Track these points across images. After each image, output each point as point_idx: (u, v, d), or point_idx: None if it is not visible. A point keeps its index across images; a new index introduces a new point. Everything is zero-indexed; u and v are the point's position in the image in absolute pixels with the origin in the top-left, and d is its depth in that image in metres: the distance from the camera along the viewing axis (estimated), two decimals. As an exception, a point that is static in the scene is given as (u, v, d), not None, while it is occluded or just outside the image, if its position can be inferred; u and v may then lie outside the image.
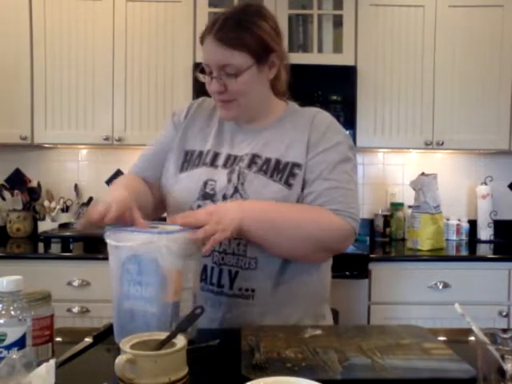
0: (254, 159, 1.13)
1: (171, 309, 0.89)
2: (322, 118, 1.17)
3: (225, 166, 1.14)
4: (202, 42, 1.10)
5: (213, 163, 1.15)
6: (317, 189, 1.10)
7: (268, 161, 1.12)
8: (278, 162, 1.12)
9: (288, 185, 1.10)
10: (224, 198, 1.10)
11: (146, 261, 0.89)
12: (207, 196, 1.11)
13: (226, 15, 1.08)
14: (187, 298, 0.92)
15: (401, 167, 2.91)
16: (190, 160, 1.18)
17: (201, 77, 1.12)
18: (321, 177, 1.10)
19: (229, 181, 1.11)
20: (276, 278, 1.11)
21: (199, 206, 1.10)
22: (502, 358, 0.65)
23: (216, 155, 1.16)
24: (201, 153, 1.18)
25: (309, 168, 1.11)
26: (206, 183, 1.12)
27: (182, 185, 1.15)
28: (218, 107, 1.17)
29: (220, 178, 1.12)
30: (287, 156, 1.12)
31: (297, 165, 1.11)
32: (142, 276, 0.90)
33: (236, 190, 1.10)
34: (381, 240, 2.76)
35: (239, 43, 1.05)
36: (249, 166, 1.12)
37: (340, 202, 1.08)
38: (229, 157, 1.15)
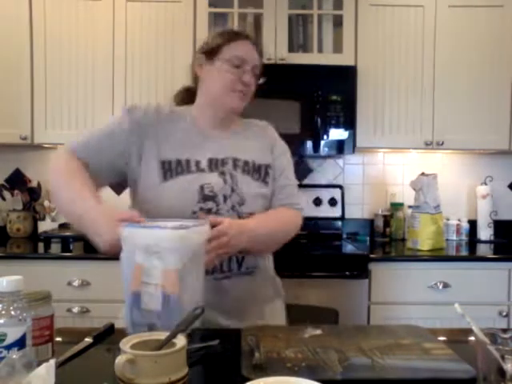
0: (235, 162, 1.26)
1: (131, 299, 0.94)
2: (271, 129, 1.40)
3: (210, 168, 1.24)
4: (229, 41, 1.25)
5: (198, 169, 1.22)
6: (278, 185, 1.32)
7: (246, 163, 1.27)
8: (253, 163, 1.29)
9: (265, 183, 1.30)
10: (224, 197, 1.21)
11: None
12: (207, 198, 1.20)
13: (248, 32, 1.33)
14: (152, 293, 0.91)
15: (401, 167, 2.91)
16: (170, 169, 1.21)
17: (223, 66, 1.24)
18: (281, 176, 1.33)
19: (224, 182, 1.23)
20: (265, 256, 1.35)
21: (201, 208, 1.19)
22: (502, 358, 0.65)
23: (197, 162, 1.23)
24: (179, 161, 1.22)
25: (273, 168, 1.32)
26: (202, 187, 1.20)
27: (174, 191, 1.19)
28: (230, 98, 1.25)
29: (213, 180, 1.22)
30: (258, 159, 1.30)
31: (268, 166, 1.31)
32: None
33: (233, 190, 1.23)
34: (381, 240, 2.76)
35: (262, 54, 1.31)
36: (234, 168, 1.25)
37: (294, 196, 1.35)
38: (211, 160, 1.24)
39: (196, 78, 1.33)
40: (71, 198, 1.11)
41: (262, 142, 1.34)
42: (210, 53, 1.26)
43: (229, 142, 1.29)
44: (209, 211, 1.18)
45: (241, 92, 1.25)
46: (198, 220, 1.07)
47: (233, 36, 1.26)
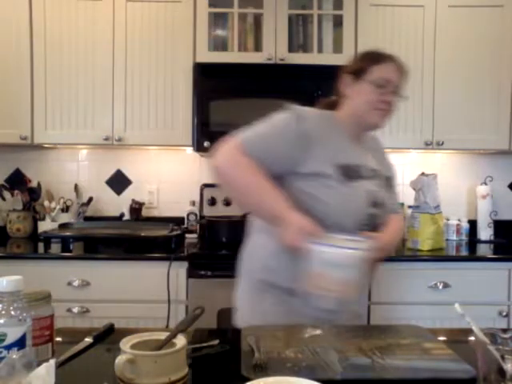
0: (379, 172, 1.40)
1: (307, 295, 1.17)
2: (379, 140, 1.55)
3: (371, 178, 1.35)
4: (375, 63, 1.35)
5: (365, 176, 1.34)
6: (392, 193, 1.45)
7: (382, 174, 1.41)
8: (386, 175, 1.42)
9: (392, 193, 1.44)
10: (384, 205, 1.35)
11: None
12: (375, 204, 1.33)
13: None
14: (329, 296, 1.13)
15: (401, 167, 2.90)
16: (347, 173, 1.30)
17: (369, 87, 1.34)
18: (394, 186, 1.48)
19: (385, 191, 1.37)
20: None
21: (370, 214, 1.31)
22: (502, 358, 0.65)
23: (362, 168, 1.34)
24: (355, 166, 1.32)
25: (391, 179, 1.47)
26: (372, 193, 1.32)
27: (351, 194, 1.29)
28: (373, 115, 1.35)
29: (378, 188, 1.35)
30: (386, 171, 1.44)
31: (391, 177, 1.46)
32: None
33: (388, 198, 1.38)
34: (381, 240, 2.75)
35: (405, 74, 1.40)
36: (381, 179, 1.40)
37: (398, 203, 1.54)
38: (370, 170, 1.36)
39: (339, 93, 1.42)
40: (260, 195, 1.25)
41: (382, 154, 1.49)
42: (356, 73, 1.36)
43: (369, 154, 1.41)
44: (374, 217, 1.32)
45: (383, 110, 1.35)
46: (363, 236, 1.19)
47: (379, 58, 1.37)
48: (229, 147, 1.26)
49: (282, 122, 1.31)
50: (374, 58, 1.38)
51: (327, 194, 1.27)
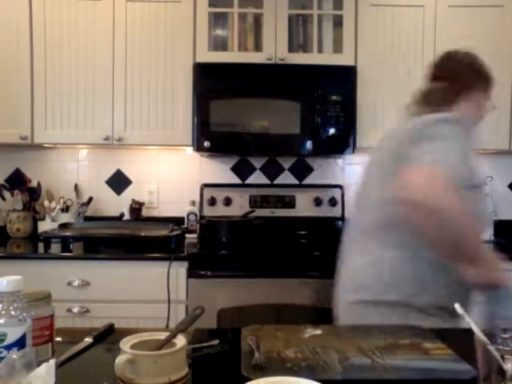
0: None
1: None
2: None
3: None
4: (493, 81, 1.52)
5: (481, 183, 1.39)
6: None
7: None
8: None
9: None
10: None
11: None
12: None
13: None
14: None
15: (401, 167, 2.90)
16: (479, 181, 1.34)
17: (486, 102, 1.50)
18: None
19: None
20: None
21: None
22: (502, 358, 0.65)
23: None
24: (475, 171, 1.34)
25: None
26: (488, 200, 1.37)
27: (486, 205, 1.36)
28: (477, 126, 1.44)
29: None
30: None
31: None
32: None
33: None
34: (381, 240, 2.75)
35: None
36: None
37: None
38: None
39: (455, 85, 1.47)
40: (472, 235, 1.27)
41: None
42: (485, 84, 1.49)
43: None
44: None
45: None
46: None
47: (493, 78, 1.51)
48: (428, 180, 1.11)
49: (458, 140, 1.27)
50: (492, 76, 1.49)
51: (482, 207, 1.30)
